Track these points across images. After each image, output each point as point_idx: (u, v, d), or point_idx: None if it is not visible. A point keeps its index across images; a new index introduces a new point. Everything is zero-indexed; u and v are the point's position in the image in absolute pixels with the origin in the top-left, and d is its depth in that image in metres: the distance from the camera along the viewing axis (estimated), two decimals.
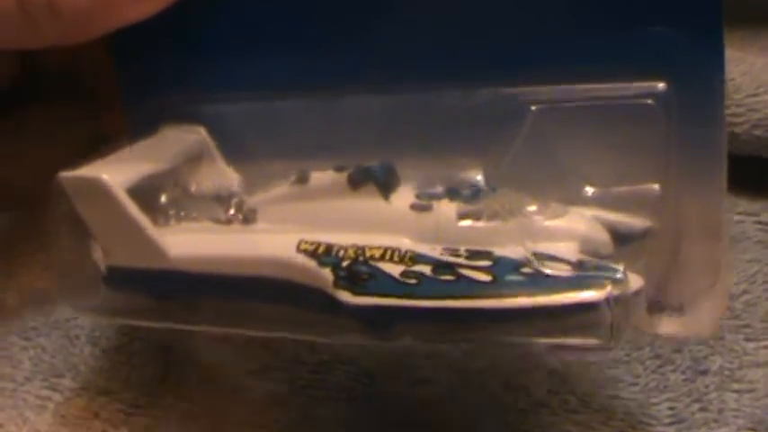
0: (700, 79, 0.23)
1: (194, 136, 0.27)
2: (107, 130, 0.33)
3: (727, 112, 0.30)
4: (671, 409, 0.27)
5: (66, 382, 0.31)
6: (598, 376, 0.28)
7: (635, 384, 0.28)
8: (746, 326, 0.29)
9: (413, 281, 0.21)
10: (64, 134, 0.36)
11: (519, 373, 0.28)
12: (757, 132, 0.31)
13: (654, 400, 0.27)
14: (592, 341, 0.20)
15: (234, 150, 0.27)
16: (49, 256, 0.34)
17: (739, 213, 0.32)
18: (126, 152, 0.26)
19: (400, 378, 0.29)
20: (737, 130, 0.31)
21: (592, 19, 0.23)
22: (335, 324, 0.22)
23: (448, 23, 0.25)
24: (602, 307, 0.20)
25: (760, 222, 0.32)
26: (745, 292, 0.30)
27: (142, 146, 0.27)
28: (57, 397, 0.30)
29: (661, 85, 0.23)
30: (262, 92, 0.27)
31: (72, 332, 0.32)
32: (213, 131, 0.27)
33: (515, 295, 0.20)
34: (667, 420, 0.27)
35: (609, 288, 0.20)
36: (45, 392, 0.30)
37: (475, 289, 0.21)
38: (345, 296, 0.22)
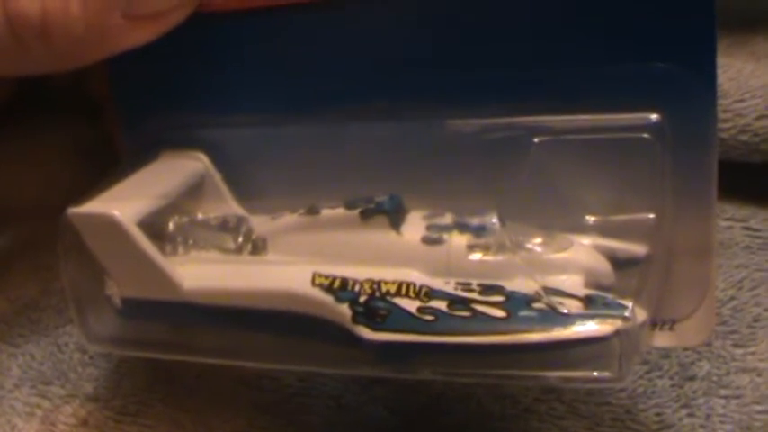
0: (693, 111, 0.23)
1: (196, 162, 0.27)
2: (114, 143, 0.33)
3: None
4: (658, 414, 0.27)
5: (55, 390, 0.31)
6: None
7: (622, 390, 0.28)
8: (734, 332, 0.29)
9: (430, 317, 0.22)
10: (62, 150, 0.36)
11: None
12: (744, 138, 0.31)
13: (641, 406, 0.27)
14: (602, 374, 0.21)
15: (233, 176, 0.27)
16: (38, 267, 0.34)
17: (727, 219, 0.32)
18: (131, 182, 0.26)
19: (388, 386, 0.29)
20: (724, 135, 0.31)
21: (590, 52, 0.23)
22: (353, 357, 0.23)
23: (452, 53, 0.24)
24: (612, 341, 0.21)
25: (748, 228, 0.32)
26: (732, 298, 0.30)
27: (145, 174, 0.27)
28: (45, 404, 0.30)
29: (654, 117, 0.23)
30: (263, 117, 0.27)
31: (61, 339, 0.32)
32: (212, 157, 0.27)
33: (529, 331, 0.21)
34: (655, 426, 0.27)
35: (618, 323, 0.21)
36: (34, 399, 0.30)
37: (491, 325, 0.21)
38: (364, 332, 0.22)
